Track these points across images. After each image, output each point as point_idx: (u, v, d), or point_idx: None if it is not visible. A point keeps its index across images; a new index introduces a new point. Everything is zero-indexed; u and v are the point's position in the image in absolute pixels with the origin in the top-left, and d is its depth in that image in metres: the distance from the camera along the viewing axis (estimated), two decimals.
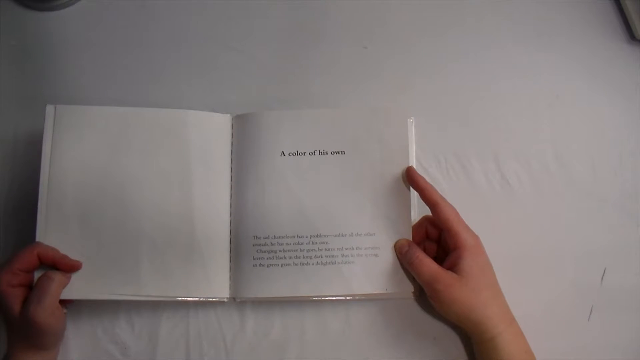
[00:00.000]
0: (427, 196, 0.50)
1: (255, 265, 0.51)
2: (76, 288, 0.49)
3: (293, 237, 0.52)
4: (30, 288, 0.47)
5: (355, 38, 0.62)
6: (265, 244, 0.52)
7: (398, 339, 0.52)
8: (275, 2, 0.62)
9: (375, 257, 0.51)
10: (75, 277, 0.49)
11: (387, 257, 0.51)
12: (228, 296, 0.52)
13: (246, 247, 0.52)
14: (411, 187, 0.52)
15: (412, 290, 0.51)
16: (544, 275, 0.54)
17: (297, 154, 0.53)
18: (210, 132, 0.54)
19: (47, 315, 0.45)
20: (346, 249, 0.51)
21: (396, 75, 0.60)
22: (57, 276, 0.47)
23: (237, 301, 0.53)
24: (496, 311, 0.47)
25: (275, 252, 0.51)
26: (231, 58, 0.61)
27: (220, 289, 0.52)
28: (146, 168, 0.52)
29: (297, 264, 0.51)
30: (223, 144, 0.54)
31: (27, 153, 0.56)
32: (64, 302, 0.48)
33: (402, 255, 0.50)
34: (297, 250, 0.51)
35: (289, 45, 0.61)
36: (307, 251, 0.51)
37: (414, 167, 0.55)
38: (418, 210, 0.53)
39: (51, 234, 0.49)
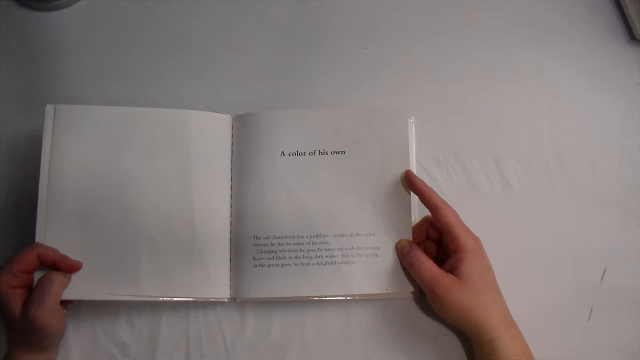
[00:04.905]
0: (427, 199, 0.50)
1: (255, 266, 0.51)
2: (76, 288, 0.49)
3: (293, 237, 0.52)
4: (30, 289, 0.47)
5: (355, 38, 0.61)
6: (266, 244, 0.52)
7: (398, 339, 0.52)
8: (275, 2, 0.62)
9: (375, 257, 0.51)
10: (75, 278, 0.49)
11: (387, 257, 0.51)
12: (228, 296, 0.52)
13: (246, 247, 0.52)
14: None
15: (412, 290, 0.51)
16: (544, 275, 0.54)
17: (297, 154, 0.53)
18: (210, 132, 0.54)
19: (48, 316, 0.45)
20: (346, 249, 0.51)
21: (396, 75, 0.60)
22: (57, 277, 0.47)
23: (237, 301, 0.53)
24: (495, 314, 0.47)
25: (276, 252, 0.51)
26: (231, 58, 0.60)
27: (221, 289, 0.52)
28: (146, 168, 0.52)
29: (297, 264, 0.51)
30: (223, 144, 0.54)
31: (26, 153, 0.56)
32: (64, 303, 0.48)
33: (403, 256, 0.50)
34: (297, 250, 0.51)
35: (289, 45, 0.61)
36: (307, 251, 0.51)
37: (414, 167, 0.56)
38: (418, 211, 0.53)
39: (51, 234, 0.49)
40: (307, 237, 0.52)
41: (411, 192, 0.52)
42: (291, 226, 0.52)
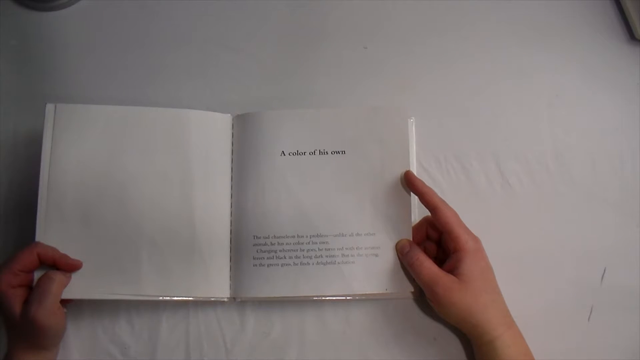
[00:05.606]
0: (426, 200, 0.50)
1: (255, 265, 0.51)
2: (76, 288, 0.49)
3: (293, 237, 0.52)
4: (30, 288, 0.47)
5: (355, 38, 0.62)
6: (266, 244, 0.52)
7: (398, 339, 0.52)
8: (275, 2, 0.62)
9: (375, 257, 0.51)
10: (75, 277, 0.49)
11: (387, 257, 0.51)
12: (228, 296, 0.52)
13: (246, 246, 0.52)
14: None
15: (412, 290, 0.51)
16: (544, 275, 0.54)
17: (297, 153, 0.53)
18: (210, 132, 0.54)
19: (48, 315, 0.45)
20: (346, 248, 0.51)
21: (396, 75, 0.60)
22: (57, 276, 0.47)
23: (237, 301, 0.53)
24: (495, 314, 0.47)
25: (276, 252, 0.51)
26: (231, 58, 0.60)
27: (221, 289, 0.52)
28: (146, 167, 0.52)
29: (297, 264, 0.51)
30: (223, 144, 0.54)
31: (27, 152, 0.56)
32: (64, 302, 0.48)
33: (402, 256, 0.50)
34: (297, 250, 0.51)
35: (289, 45, 0.61)
36: (307, 251, 0.51)
37: (414, 167, 0.56)
38: (418, 211, 0.53)
39: (51, 233, 0.49)
40: (307, 237, 0.52)
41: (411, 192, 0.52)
42: (291, 226, 0.52)
